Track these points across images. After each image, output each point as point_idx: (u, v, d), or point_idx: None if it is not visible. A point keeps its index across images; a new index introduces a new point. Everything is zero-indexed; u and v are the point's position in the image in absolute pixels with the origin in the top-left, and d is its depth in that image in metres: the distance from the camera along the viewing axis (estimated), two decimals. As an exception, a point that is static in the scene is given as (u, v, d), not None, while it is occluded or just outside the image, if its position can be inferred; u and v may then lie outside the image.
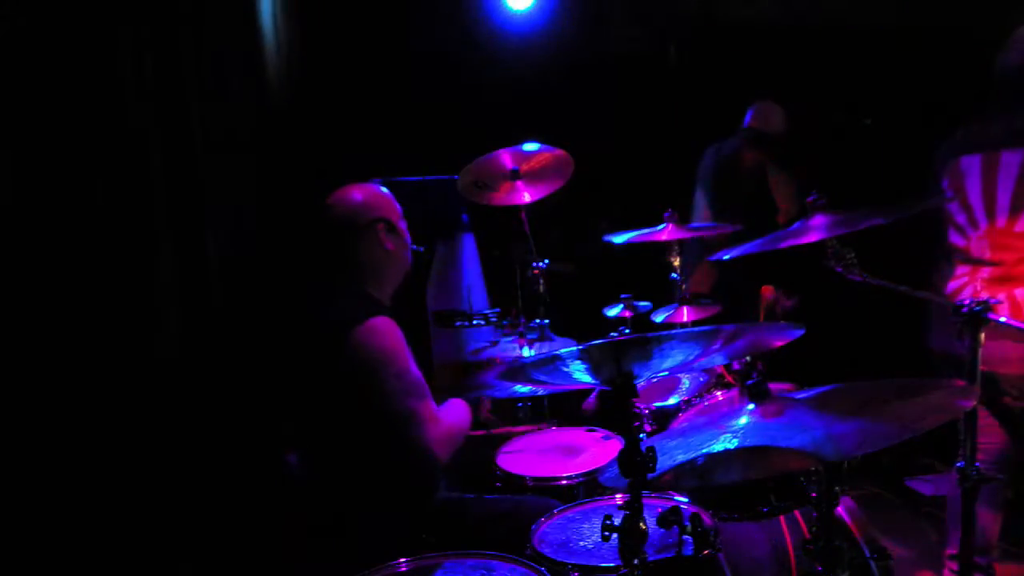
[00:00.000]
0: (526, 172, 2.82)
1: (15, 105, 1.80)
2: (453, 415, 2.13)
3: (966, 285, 2.48)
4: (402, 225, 2.26)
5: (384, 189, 2.27)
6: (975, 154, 2.45)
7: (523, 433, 2.64)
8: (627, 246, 2.73)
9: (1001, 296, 2.38)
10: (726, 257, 2.06)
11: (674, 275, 2.91)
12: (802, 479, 1.71)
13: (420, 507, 2.08)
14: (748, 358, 1.90)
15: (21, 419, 1.86)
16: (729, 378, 2.57)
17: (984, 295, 2.36)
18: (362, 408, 1.98)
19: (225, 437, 2.56)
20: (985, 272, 2.45)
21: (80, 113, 2.00)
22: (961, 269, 2.52)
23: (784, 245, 1.91)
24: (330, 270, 2.18)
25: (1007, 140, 2.40)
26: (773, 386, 1.43)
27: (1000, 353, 2.28)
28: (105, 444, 2.11)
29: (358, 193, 2.21)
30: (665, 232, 2.67)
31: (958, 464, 1.83)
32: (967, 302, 1.74)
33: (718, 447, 1.33)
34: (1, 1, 1.72)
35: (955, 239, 2.53)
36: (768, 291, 3.47)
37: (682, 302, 2.89)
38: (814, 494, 1.57)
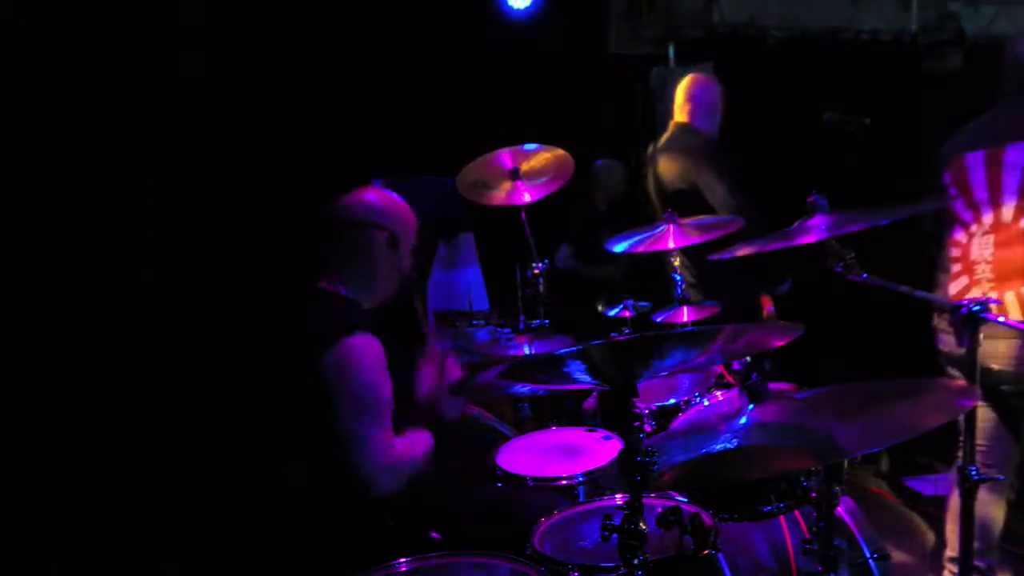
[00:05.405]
0: (526, 172, 2.81)
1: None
2: (409, 448, 2.04)
3: (970, 284, 2.47)
4: (406, 251, 2.17)
5: (402, 203, 2.19)
6: (980, 150, 2.44)
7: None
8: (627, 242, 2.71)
9: (1009, 294, 2.37)
10: (726, 257, 2.05)
11: (675, 275, 2.90)
12: (802, 479, 1.71)
13: (368, 528, 2.00)
14: (749, 358, 1.89)
15: (20, 419, 1.86)
16: (729, 378, 2.57)
17: (991, 294, 2.36)
18: (318, 421, 1.95)
19: (222, 438, 2.56)
20: (989, 270, 2.44)
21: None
22: (961, 267, 2.51)
23: (783, 245, 1.91)
24: (324, 268, 2.13)
25: (1012, 135, 2.39)
26: (773, 386, 1.43)
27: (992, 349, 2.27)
28: (96, 447, 2.11)
29: (374, 195, 2.16)
30: (667, 238, 2.65)
31: (957, 464, 1.83)
32: (966, 302, 1.74)
33: (718, 447, 1.33)
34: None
35: (959, 236, 2.52)
36: (768, 302, 3.42)
37: (682, 302, 2.88)
38: (814, 494, 1.57)
